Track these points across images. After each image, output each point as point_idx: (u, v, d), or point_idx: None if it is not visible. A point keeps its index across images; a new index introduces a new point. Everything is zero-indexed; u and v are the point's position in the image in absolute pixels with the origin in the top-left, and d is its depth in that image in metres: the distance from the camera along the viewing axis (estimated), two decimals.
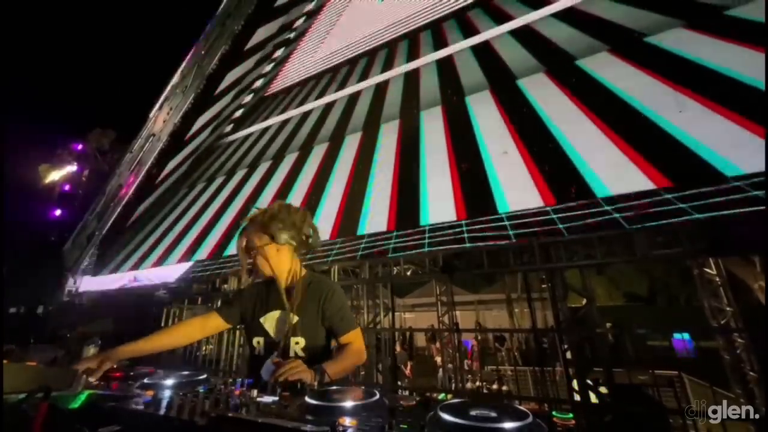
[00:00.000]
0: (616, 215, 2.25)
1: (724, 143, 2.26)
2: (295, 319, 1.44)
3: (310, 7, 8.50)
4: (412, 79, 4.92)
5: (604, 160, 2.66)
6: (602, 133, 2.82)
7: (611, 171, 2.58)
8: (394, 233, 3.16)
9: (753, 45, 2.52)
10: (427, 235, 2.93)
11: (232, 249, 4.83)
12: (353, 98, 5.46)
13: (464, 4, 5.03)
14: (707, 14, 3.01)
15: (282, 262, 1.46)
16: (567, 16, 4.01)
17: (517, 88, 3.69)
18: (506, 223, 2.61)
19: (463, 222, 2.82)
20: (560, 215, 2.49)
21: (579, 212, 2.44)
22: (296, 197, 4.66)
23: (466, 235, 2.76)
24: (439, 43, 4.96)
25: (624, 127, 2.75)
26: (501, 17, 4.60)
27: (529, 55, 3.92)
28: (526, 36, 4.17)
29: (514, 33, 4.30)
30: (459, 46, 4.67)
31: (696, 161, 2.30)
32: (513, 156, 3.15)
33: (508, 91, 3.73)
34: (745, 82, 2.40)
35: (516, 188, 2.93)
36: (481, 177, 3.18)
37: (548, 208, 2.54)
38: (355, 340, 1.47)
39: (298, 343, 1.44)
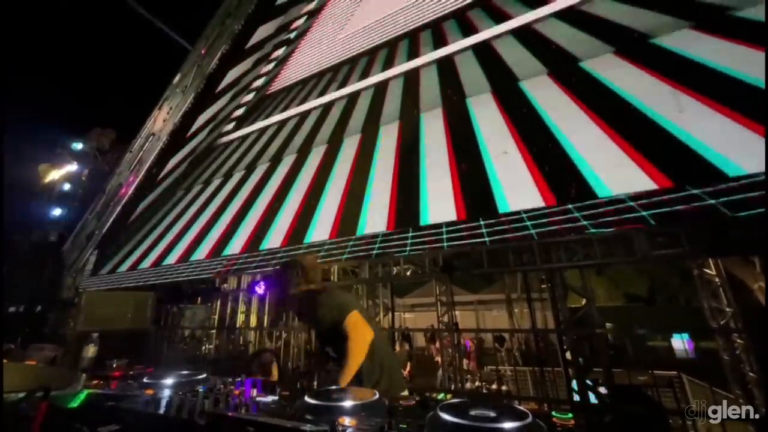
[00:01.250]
0: (643, 213, 2.25)
1: (726, 143, 2.26)
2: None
3: (310, 6, 8.49)
4: (412, 80, 4.92)
5: (605, 161, 2.66)
6: (605, 134, 2.82)
7: (612, 171, 2.58)
8: (410, 233, 3.17)
9: (757, 45, 2.52)
10: (444, 237, 2.94)
11: (232, 249, 4.82)
12: (353, 98, 5.46)
13: (464, 3, 5.02)
14: (712, 15, 3.00)
15: None
16: (569, 16, 4.01)
17: (519, 89, 3.69)
18: (527, 223, 2.62)
19: (482, 222, 2.83)
20: (582, 213, 2.49)
21: (600, 210, 2.44)
22: (296, 196, 4.67)
23: (484, 230, 2.77)
24: (440, 43, 4.95)
25: (627, 128, 2.75)
26: (502, 17, 4.60)
27: (531, 57, 3.91)
28: (527, 37, 4.16)
29: (516, 34, 4.29)
30: (459, 45, 4.67)
31: (698, 161, 2.30)
32: (513, 156, 3.15)
33: (510, 92, 3.72)
34: (749, 82, 2.40)
35: (516, 188, 2.94)
36: (481, 178, 3.18)
37: (570, 206, 2.54)
38: (351, 333, 1.62)
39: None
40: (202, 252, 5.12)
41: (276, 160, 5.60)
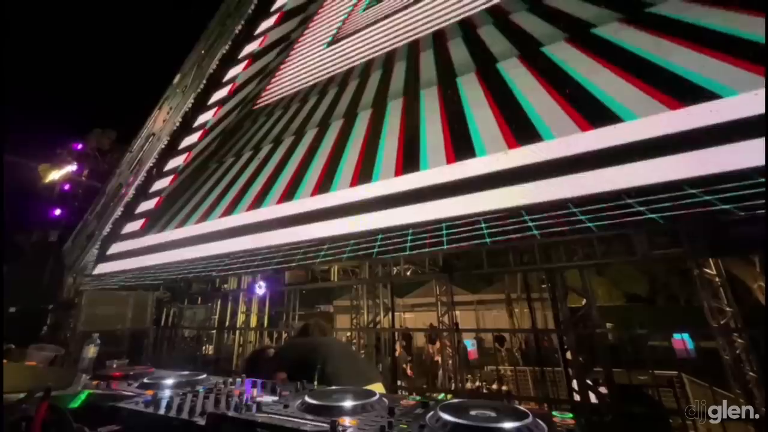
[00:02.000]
0: (643, 210, 2.27)
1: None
2: None
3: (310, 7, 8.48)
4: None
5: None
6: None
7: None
8: (410, 231, 3.18)
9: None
10: (444, 237, 2.95)
11: (232, 248, 4.82)
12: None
13: (470, 13, 5.00)
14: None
15: None
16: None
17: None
18: (530, 223, 2.63)
19: (483, 225, 2.84)
20: (581, 209, 2.50)
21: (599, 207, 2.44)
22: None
23: (485, 231, 2.78)
24: (441, 44, 4.95)
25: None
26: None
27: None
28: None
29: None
30: (459, 44, 4.67)
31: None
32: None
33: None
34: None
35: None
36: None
37: (573, 208, 2.56)
38: None
39: None
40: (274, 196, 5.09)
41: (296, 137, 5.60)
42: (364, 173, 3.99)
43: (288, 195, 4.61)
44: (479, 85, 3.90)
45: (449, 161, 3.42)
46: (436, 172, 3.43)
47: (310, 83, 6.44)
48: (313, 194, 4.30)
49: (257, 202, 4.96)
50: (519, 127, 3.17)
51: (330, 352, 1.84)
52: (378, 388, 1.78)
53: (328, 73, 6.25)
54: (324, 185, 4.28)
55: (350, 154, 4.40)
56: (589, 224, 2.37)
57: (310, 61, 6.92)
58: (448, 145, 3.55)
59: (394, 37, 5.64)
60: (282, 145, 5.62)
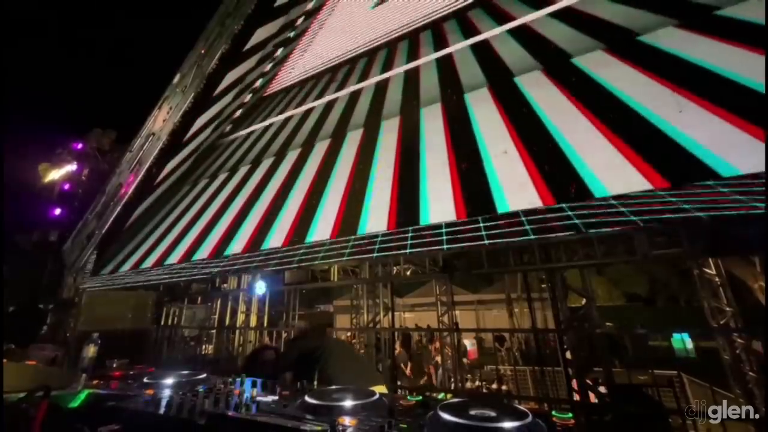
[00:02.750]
0: (634, 218, 2.24)
1: (722, 144, 2.26)
2: None
3: (309, 6, 8.49)
4: (411, 77, 4.91)
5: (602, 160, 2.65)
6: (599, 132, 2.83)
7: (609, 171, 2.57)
8: (410, 232, 3.16)
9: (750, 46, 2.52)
10: (444, 237, 2.94)
11: (232, 248, 4.82)
12: (354, 96, 5.45)
13: (465, 4, 5.02)
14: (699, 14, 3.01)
15: None
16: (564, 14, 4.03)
17: (514, 84, 3.70)
18: (527, 227, 2.61)
19: (479, 218, 2.82)
20: (576, 212, 2.49)
21: (592, 210, 2.43)
22: (298, 193, 4.66)
23: (484, 232, 2.76)
24: (439, 43, 4.95)
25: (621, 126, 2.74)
26: (501, 17, 4.60)
27: (526, 53, 3.92)
28: (523, 34, 4.17)
29: (512, 31, 4.30)
30: (459, 46, 4.67)
31: (693, 162, 2.29)
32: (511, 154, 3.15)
33: (506, 88, 3.73)
34: (743, 83, 2.40)
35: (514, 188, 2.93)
36: (480, 176, 3.18)
37: (564, 205, 2.53)
38: None
39: None
40: (203, 252, 5.12)
41: (280, 155, 5.59)
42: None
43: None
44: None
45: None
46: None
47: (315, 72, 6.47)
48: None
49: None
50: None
51: (332, 354, 1.85)
52: (380, 390, 1.79)
53: (327, 70, 6.28)
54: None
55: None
56: (583, 228, 2.37)
57: (313, 58, 6.95)
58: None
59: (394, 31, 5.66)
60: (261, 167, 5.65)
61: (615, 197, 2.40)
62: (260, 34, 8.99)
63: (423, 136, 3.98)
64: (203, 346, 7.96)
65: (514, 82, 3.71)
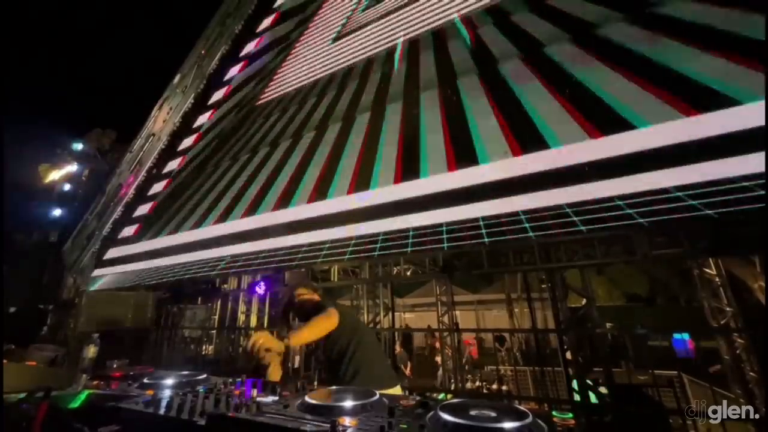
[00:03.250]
0: (631, 213, 2.25)
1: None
2: None
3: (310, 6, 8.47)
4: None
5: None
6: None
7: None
8: (411, 233, 3.18)
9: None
10: (444, 237, 2.95)
11: (232, 251, 4.82)
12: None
13: (467, 10, 4.98)
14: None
15: None
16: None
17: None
18: (526, 224, 2.62)
19: (480, 217, 2.84)
20: (574, 210, 2.50)
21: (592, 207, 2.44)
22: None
23: (484, 231, 2.77)
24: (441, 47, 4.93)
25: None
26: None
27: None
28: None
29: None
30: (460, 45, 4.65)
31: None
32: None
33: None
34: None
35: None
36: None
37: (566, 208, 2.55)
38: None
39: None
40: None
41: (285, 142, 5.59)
42: (361, 181, 3.96)
43: (283, 202, 4.60)
44: (481, 87, 3.88)
45: (450, 169, 3.40)
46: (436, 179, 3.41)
47: (312, 80, 6.44)
48: (309, 202, 4.28)
49: (251, 209, 4.95)
50: (524, 134, 3.13)
51: (362, 342, 1.87)
52: (397, 390, 1.80)
53: (328, 70, 6.26)
54: (321, 192, 4.25)
55: (347, 160, 4.37)
56: (582, 227, 2.38)
57: (311, 60, 6.93)
58: (449, 152, 3.52)
59: (393, 35, 5.64)
60: (279, 149, 5.62)
61: (618, 197, 2.41)
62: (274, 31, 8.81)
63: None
64: (204, 347, 7.96)
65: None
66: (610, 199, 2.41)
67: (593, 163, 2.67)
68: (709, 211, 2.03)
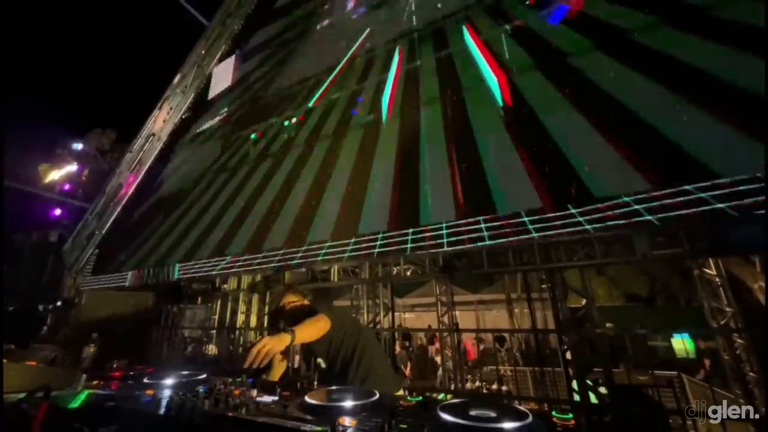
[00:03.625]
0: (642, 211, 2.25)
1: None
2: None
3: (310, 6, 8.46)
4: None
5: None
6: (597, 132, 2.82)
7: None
8: (411, 233, 3.17)
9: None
10: (444, 237, 2.95)
11: (233, 249, 4.82)
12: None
13: (469, 2, 4.98)
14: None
15: None
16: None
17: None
18: (530, 227, 2.62)
19: (483, 225, 2.83)
20: (579, 210, 2.50)
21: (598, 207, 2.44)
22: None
23: (485, 233, 2.77)
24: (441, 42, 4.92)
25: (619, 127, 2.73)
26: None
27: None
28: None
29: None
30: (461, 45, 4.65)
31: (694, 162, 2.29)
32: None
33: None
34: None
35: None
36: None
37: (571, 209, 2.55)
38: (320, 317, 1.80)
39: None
40: (203, 252, 5.13)
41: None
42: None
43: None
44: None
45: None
46: None
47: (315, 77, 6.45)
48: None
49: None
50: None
51: (368, 345, 1.88)
52: (399, 393, 1.81)
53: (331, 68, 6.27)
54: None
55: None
56: (587, 226, 2.37)
57: (313, 58, 6.93)
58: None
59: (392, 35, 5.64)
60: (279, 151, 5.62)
61: (626, 193, 2.40)
62: (261, 35, 8.90)
63: None
64: (204, 347, 7.96)
65: None
66: (617, 196, 2.41)
67: (594, 163, 2.67)
68: (721, 205, 2.03)
